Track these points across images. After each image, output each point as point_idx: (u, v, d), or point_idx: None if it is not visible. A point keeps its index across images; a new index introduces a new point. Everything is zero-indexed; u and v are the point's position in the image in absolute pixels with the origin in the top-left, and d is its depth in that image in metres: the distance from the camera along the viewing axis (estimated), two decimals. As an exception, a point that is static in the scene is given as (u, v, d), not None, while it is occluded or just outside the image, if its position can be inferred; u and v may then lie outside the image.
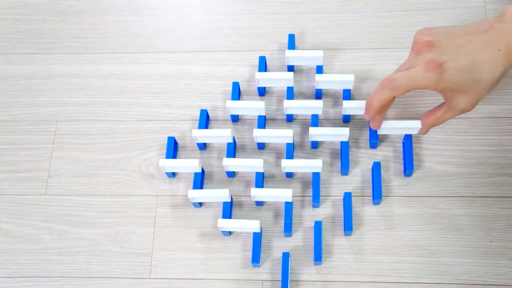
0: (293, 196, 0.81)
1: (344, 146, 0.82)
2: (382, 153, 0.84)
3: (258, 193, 0.78)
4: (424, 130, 0.77)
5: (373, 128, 0.79)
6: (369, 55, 0.91)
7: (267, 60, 0.91)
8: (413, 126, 0.79)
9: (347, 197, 0.79)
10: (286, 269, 0.76)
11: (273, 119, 0.88)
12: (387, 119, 0.83)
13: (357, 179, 0.83)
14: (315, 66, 0.89)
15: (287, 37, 0.92)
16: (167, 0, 0.98)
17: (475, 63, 0.65)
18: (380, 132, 0.81)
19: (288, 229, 0.78)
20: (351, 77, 0.83)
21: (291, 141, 0.82)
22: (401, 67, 0.71)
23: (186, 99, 0.90)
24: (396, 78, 0.68)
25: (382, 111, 0.75)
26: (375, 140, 0.82)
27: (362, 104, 0.82)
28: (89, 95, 0.92)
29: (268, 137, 0.83)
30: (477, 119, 0.85)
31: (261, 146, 0.85)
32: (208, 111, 0.88)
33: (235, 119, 0.87)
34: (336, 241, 0.79)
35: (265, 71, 0.91)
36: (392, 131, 0.82)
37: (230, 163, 0.80)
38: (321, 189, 0.82)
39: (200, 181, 0.82)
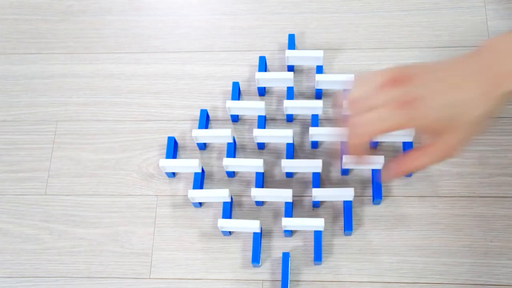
0: (293, 196, 0.81)
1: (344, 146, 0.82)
2: (382, 153, 0.84)
3: (258, 193, 0.78)
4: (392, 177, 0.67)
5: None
6: (369, 55, 0.91)
7: (267, 60, 0.91)
8: (378, 162, 0.78)
9: (347, 197, 0.79)
10: (286, 269, 0.76)
11: (273, 119, 0.88)
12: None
13: (357, 179, 0.83)
14: (315, 66, 0.89)
15: (287, 37, 0.92)
16: (167, 0, 0.98)
17: (456, 99, 0.57)
18: (345, 166, 0.80)
19: (288, 229, 0.78)
20: (351, 77, 0.83)
21: (291, 141, 0.82)
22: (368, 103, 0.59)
23: (186, 99, 0.90)
24: (362, 123, 0.59)
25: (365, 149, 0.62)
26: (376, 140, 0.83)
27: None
28: (89, 95, 0.91)
29: (268, 137, 0.83)
30: (477, 119, 0.85)
31: (261, 146, 0.85)
32: (208, 111, 0.88)
33: (235, 119, 0.87)
34: (336, 241, 0.79)
35: (265, 71, 0.91)
36: (358, 166, 0.81)
37: (230, 163, 0.80)
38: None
39: (200, 181, 0.82)
